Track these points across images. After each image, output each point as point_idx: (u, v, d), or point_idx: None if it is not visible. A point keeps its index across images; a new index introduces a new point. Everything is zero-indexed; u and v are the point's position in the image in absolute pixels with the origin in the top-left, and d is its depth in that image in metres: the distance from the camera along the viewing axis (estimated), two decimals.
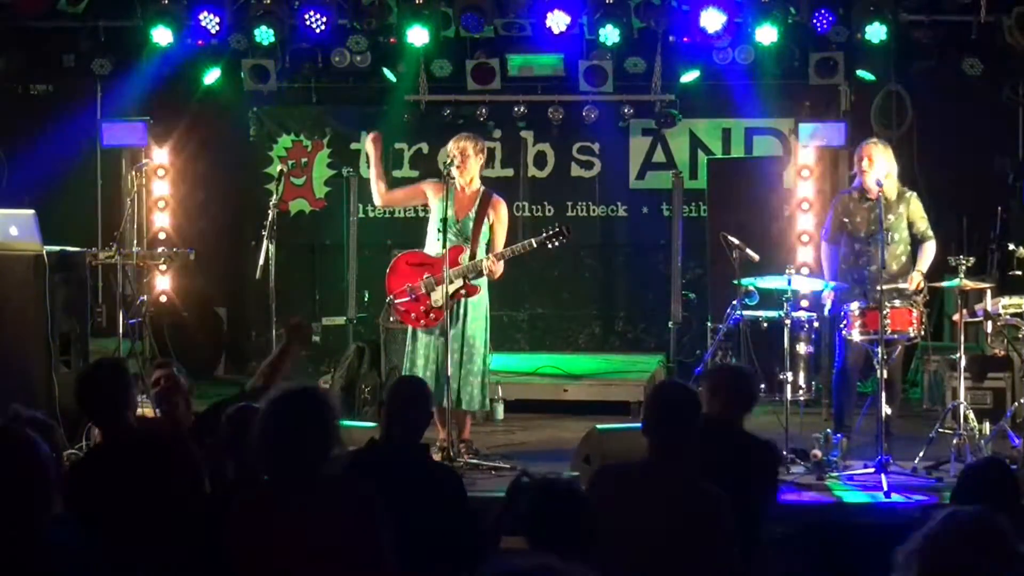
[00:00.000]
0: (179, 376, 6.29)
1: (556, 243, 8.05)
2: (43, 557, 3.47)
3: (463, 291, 7.95)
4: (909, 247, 8.15)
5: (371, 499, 4.01)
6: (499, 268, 7.97)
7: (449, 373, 7.76)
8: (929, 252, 8.10)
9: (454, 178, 7.93)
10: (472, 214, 8.05)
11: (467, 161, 8.05)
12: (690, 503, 4.55)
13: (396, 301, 8.15)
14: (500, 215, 8.13)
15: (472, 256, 8.01)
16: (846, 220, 8.17)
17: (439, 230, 7.96)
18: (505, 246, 8.07)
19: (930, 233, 8.14)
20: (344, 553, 3.88)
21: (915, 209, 8.12)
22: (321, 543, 3.88)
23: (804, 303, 9.63)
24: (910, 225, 8.11)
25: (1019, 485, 4.35)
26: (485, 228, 8.07)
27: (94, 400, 5.11)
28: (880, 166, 7.98)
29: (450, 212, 7.91)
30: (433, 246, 8.10)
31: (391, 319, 9.51)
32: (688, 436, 4.67)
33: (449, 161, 8.04)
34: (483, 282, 8.09)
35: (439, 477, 5.10)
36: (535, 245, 8.02)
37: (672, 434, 4.66)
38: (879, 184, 7.90)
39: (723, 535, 4.52)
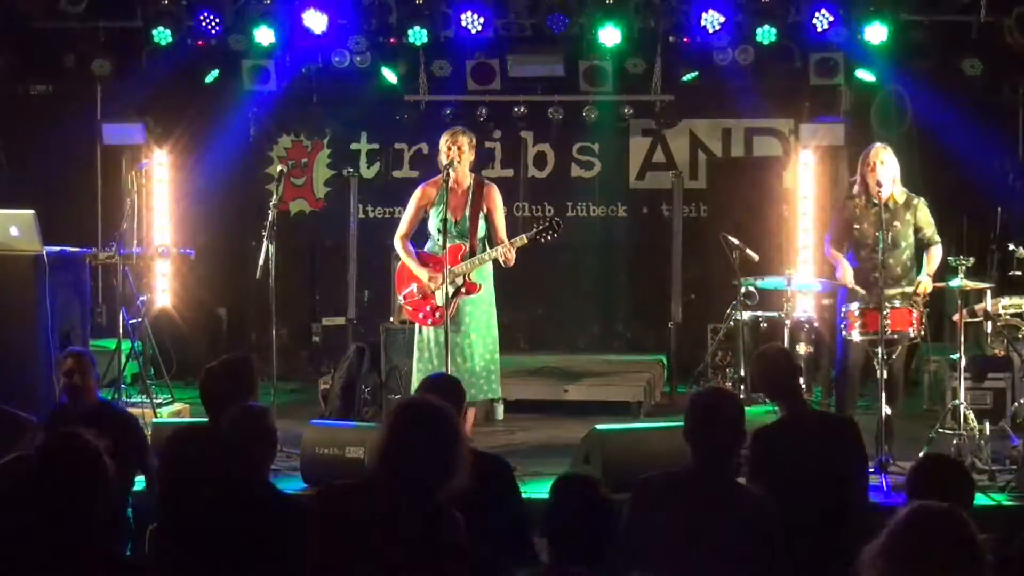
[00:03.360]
0: (89, 361, 6.53)
1: (548, 237, 8.04)
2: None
3: (463, 289, 7.94)
4: (914, 252, 8.12)
5: (461, 538, 3.87)
6: (513, 257, 7.98)
7: (451, 372, 7.76)
8: (936, 256, 8.06)
9: (450, 177, 7.94)
10: (467, 212, 8.05)
11: (462, 156, 8.04)
12: (740, 509, 4.52)
13: (404, 301, 8.18)
14: (494, 202, 8.12)
15: (472, 252, 8.02)
16: (855, 227, 8.09)
17: (438, 230, 7.97)
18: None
19: (936, 238, 8.10)
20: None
21: (923, 216, 8.08)
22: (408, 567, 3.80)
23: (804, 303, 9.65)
24: (917, 230, 8.07)
25: (972, 483, 4.32)
26: (481, 223, 8.07)
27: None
28: (886, 171, 7.94)
29: (447, 214, 7.93)
30: (433, 245, 8.12)
31: (392, 319, 9.53)
32: (734, 440, 4.66)
33: (448, 162, 8.03)
34: (486, 278, 8.09)
35: (485, 471, 4.94)
36: (526, 241, 8.01)
37: (716, 438, 4.63)
38: (881, 187, 7.86)
39: (775, 539, 4.51)
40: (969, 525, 2.95)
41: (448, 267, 7.85)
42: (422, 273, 8.07)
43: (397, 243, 8.24)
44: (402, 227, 8.25)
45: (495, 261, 8.06)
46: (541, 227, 8.01)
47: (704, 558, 4.33)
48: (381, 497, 3.86)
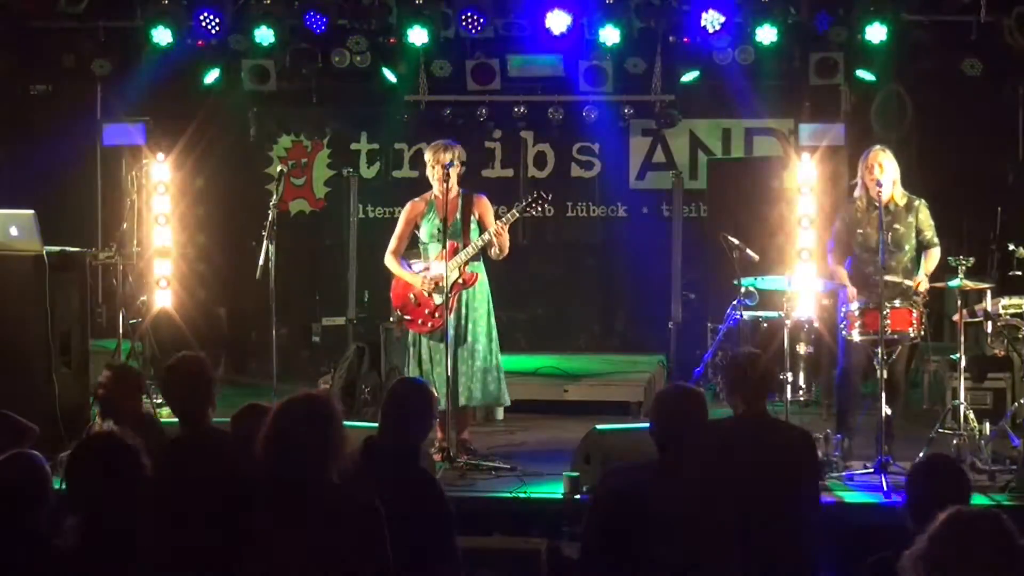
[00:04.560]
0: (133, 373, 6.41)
1: (537, 209, 8.08)
2: None
3: (461, 280, 7.92)
4: (915, 254, 8.10)
5: (372, 508, 4.00)
6: (506, 239, 7.96)
7: (449, 373, 7.76)
8: (934, 257, 8.04)
9: (445, 188, 7.92)
10: (458, 215, 8.04)
11: (435, 170, 7.99)
12: (703, 503, 4.59)
13: (402, 314, 8.14)
14: (486, 209, 8.10)
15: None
16: (859, 231, 8.03)
17: (438, 229, 7.95)
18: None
19: (936, 240, 8.07)
20: (340, 561, 3.88)
21: (923, 218, 8.05)
22: (317, 550, 3.87)
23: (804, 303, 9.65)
24: (917, 233, 8.05)
25: (968, 482, 4.33)
26: (473, 226, 8.05)
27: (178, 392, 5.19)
28: (886, 173, 7.92)
29: (439, 220, 7.91)
30: (430, 256, 8.08)
31: (391, 319, 9.52)
32: (696, 435, 4.69)
33: (443, 175, 7.97)
34: (482, 281, 8.07)
35: (416, 483, 4.92)
36: (517, 214, 7.98)
37: (679, 436, 4.66)
38: (880, 187, 7.83)
39: (737, 525, 4.57)
40: (1010, 527, 2.94)
41: (446, 261, 7.84)
42: (415, 280, 8.05)
43: (388, 260, 8.19)
44: (392, 243, 8.20)
45: (492, 261, 8.05)
46: (528, 200, 8.02)
47: (672, 551, 4.39)
48: (269, 490, 4.03)
